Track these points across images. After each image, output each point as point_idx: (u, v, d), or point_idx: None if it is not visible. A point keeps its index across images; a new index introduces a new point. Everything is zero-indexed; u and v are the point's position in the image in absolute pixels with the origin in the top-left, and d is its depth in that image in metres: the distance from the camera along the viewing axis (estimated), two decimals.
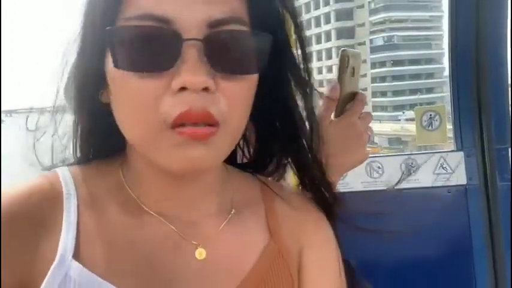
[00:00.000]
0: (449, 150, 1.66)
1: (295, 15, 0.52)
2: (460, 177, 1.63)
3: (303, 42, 0.53)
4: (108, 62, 0.45)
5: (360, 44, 50.02)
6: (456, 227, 1.64)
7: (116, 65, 0.43)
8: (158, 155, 0.45)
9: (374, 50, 50.00)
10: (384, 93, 47.95)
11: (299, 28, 0.52)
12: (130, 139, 0.48)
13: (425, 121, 1.66)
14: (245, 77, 0.46)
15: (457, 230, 1.64)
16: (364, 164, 1.66)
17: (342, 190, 1.67)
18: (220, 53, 0.43)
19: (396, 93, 46.59)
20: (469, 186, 1.62)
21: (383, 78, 48.74)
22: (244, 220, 0.54)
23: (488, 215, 1.61)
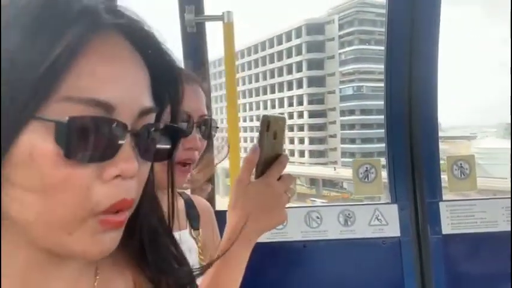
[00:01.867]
0: (384, 202, 1.72)
1: (176, 111, 0.53)
2: (394, 229, 1.68)
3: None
4: (33, 138, 0.39)
5: (329, 92, 51.70)
6: (390, 278, 1.67)
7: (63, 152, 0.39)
8: (70, 242, 0.42)
9: (344, 98, 51.74)
10: (352, 140, 49.18)
11: (175, 120, 0.53)
12: (38, 223, 0.42)
13: (361, 173, 1.73)
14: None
15: (390, 280, 1.67)
16: (305, 213, 1.70)
17: (280, 240, 1.71)
18: (148, 143, 0.45)
19: (364, 140, 47.87)
20: (403, 238, 1.67)
21: (352, 126, 50.15)
22: (112, 282, 0.53)
23: (421, 267, 1.65)
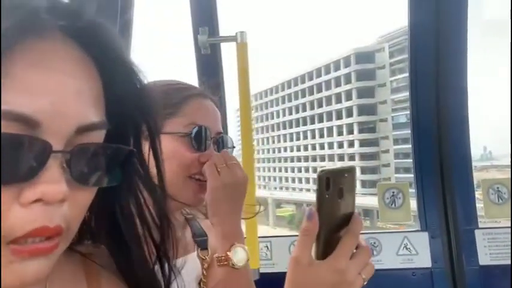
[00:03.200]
0: (414, 230, 1.61)
1: (151, 128, 0.49)
2: (425, 260, 1.55)
3: (156, 152, 0.51)
4: None
5: (381, 120, 50.50)
6: None
7: None
8: None
9: (396, 126, 50.37)
10: (407, 170, 47.36)
11: (154, 142, 0.50)
12: None
13: (387, 198, 1.63)
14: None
15: None
16: None
17: None
18: (84, 165, 0.40)
19: None
20: (435, 269, 1.54)
21: (406, 155, 48.41)
22: None
23: None
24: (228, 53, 1.59)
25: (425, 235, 1.57)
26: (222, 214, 0.89)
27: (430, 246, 1.55)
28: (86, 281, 0.51)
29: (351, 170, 0.61)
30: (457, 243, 1.53)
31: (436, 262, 1.54)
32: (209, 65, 1.60)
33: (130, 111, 0.46)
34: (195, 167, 0.91)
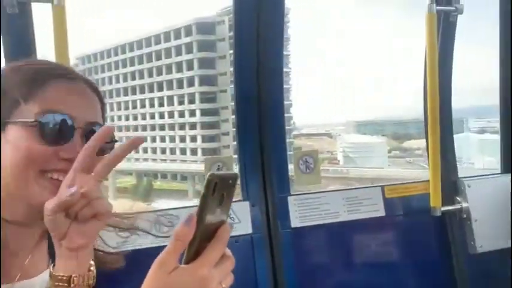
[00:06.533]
0: (237, 199, 1.72)
1: None
2: (246, 227, 1.68)
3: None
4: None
5: (221, 91, 52.23)
6: (243, 276, 1.67)
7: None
8: None
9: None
10: None
11: None
12: None
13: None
14: None
15: (244, 279, 1.67)
16: (155, 217, 1.62)
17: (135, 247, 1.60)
18: None
19: None
20: (255, 235, 1.68)
21: None
22: None
23: (272, 262, 1.68)
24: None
25: (246, 204, 1.69)
26: None
27: (251, 214, 1.69)
28: None
29: (235, 177, 0.60)
30: (274, 210, 1.70)
31: (256, 228, 1.68)
32: (17, 26, 1.40)
33: None
34: (50, 163, 0.75)
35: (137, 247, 1.48)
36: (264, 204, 1.70)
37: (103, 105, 0.88)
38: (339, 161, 21.39)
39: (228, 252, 0.63)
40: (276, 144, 1.72)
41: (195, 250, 0.60)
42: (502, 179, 1.92)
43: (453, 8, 1.77)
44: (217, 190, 0.58)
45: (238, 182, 1.72)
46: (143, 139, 0.70)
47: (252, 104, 1.70)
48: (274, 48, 1.71)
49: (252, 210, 1.69)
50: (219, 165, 1.71)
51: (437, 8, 1.72)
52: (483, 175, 1.97)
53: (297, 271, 1.72)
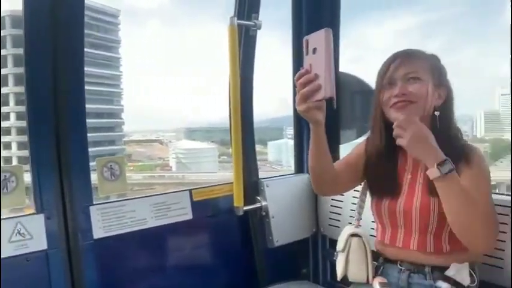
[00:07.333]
0: (28, 213, 1.53)
1: None
2: (40, 243, 1.51)
3: None
4: None
5: None
6: None
7: None
8: None
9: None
10: None
11: None
12: None
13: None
14: None
15: None
16: None
17: None
18: None
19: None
20: (50, 250, 1.53)
21: None
22: None
23: (71, 277, 1.56)
24: None
25: (41, 217, 1.53)
26: None
27: (46, 228, 1.53)
28: None
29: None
30: (73, 222, 1.57)
31: (52, 243, 1.53)
32: None
33: None
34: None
35: None
36: (63, 215, 1.56)
37: None
38: (171, 167, 21.33)
39: None
40: (77, 151, 1.59)
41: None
42: (296, 178, 2.19)
43: (252, 23, 1.94)
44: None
45: (30, 193, 1.55)
46: None
47: (47, 106, 1.54)
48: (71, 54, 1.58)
49: (48, 223, 1.53)
50: (5, 176, 1.50)
51: (238, 21, 1.85)
52: (280, 175, 2.21)
53: (101, 285, 1.63)
